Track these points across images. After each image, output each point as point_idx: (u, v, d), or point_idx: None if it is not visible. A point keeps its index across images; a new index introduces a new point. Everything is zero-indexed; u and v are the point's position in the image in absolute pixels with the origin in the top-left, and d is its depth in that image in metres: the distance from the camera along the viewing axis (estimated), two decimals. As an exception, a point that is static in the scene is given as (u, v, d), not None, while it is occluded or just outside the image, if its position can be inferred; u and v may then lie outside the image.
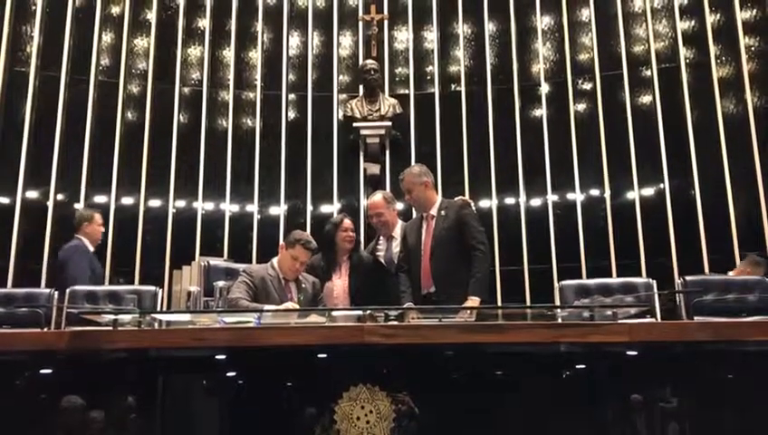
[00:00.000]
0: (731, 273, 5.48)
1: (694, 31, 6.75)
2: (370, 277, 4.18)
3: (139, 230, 6.58)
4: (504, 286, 6.46)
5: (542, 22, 7.23)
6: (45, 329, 3.81)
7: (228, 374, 2.61)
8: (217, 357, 2.56)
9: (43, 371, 2.59)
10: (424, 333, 2.44)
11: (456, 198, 4.36)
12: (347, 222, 4.28)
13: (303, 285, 3.96)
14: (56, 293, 4.19)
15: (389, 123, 6.92)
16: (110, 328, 2.52)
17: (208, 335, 2.48)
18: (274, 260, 4.01)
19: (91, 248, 5.15)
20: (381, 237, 4.54)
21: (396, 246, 4.36)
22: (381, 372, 2.47)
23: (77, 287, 4.39)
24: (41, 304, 3.98)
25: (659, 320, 3.80)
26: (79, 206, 6.48)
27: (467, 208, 4.15)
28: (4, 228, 6.26)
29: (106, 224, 6.44)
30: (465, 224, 4.02)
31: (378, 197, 4.55)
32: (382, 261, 4.38)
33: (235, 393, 2.58)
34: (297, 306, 3.69)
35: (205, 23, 7.27)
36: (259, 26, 7.37)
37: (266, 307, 3.58)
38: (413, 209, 4.68)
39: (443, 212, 4.11)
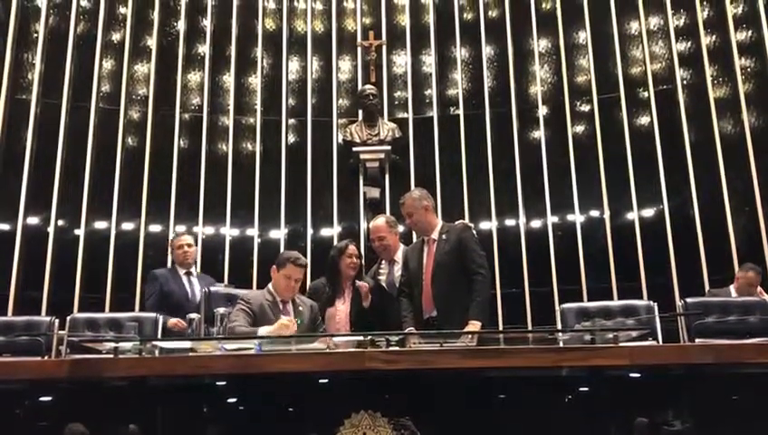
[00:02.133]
0: (732, 288, 5.55)
1: (690, 52, 6.81)
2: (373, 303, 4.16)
3: (140, 256, 6.57)
4: (505, 309, 6.44)
5: (540, 45, 7.29)
6: (46, 357, 3.81)
7: (229, 401, 2.61)
8: (218, 384, 2.56)
9: (43, 399, 2.58)
10: (425, 359, 2.44)
11: (456, 222, 4.36)
12: (352, 248, 4.27)
13: (300, 308, 3.94)
14: (56, 320, 4.18)
15: (389, 147, 6.96)
16: (111, 356, 2.52)
17: (209, 363, 2.48)
18: (270, 286, 4.00)
19: (182, 271, 5.12)
20: (383, 262, 4.54)
21: (398, 271, 4.35)
22: (383, 397, 2.46)
23: (77, 315, 4.40)
24: (41, 333, 3.97)
25: (661, 343, 3.79)
26: (79, 232, 6.50)
27: (468, 232, 4.14)
28: (4, 255, 6.25)
29: (106, 251, 6.45)
30: (466, 248, 4.01)
31: (380, 220, 4.55)
32: (384, 285, 4.37)
33: (236, 421, 2.57)
34: (293, 320, 3.66)
35: (205, 49, 7.33)
36: (259, 52, 7.43)
37: (264, 328, 3.57)
38: (413, 233, 4.68)
39: (444, 236, 4.10)
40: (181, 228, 6.80)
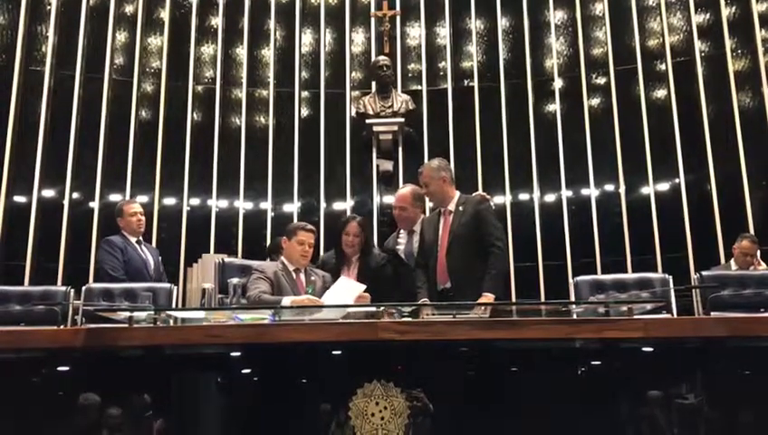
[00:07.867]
0: (732, 262, 5.54)
1: (709, 24, 6.70)
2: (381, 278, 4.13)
3: (154, 228, 6.60)
4: (519, 283, 6.44)
5: (555, 16, 7.20)
6: (61, 326, 3.84)
7: (243, 371, 2.62)
8: (232, 354, 2.57)
9: (59, 368, 2.61)
10: (438, 330, 2.43)
11: (474, 194, 4.32)
12: (350, 226, 4.18)
13: (313, 278, 3.98)
14: (72, 290, 4.22)
15: (402, 119, 6.90)
16: (126, 325, 2.53)
17: (223, 332, 2.49)
18: (282, 258, 4.08)
19: (133, 239, 5.03)
20: (402, 231, 4.51)
21: (416, 241, 4.30)
22: (396, 368, 2.46)
23: (93, 285, 4.44)
24: (57, 302, 4.01)
25: (675, 316, 3.77)
26: (94, 204, 6.53)
27: (485, 204, 4.10)
28: (20, 227, 6.30)
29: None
30: (483, 220, 3.97)
31: (406, 190, 4.50)
32: (402, 255, 4.35)
33: (249, 390, 2.58)
34: (315, 298, 3.69)
35: (218, 21, 7.29)
36: (272, 24, 7.38)
37: (285, 299, 3.60)
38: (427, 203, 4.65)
39: (461, 208, 4.06)
40: (195, 201, 6.83)
